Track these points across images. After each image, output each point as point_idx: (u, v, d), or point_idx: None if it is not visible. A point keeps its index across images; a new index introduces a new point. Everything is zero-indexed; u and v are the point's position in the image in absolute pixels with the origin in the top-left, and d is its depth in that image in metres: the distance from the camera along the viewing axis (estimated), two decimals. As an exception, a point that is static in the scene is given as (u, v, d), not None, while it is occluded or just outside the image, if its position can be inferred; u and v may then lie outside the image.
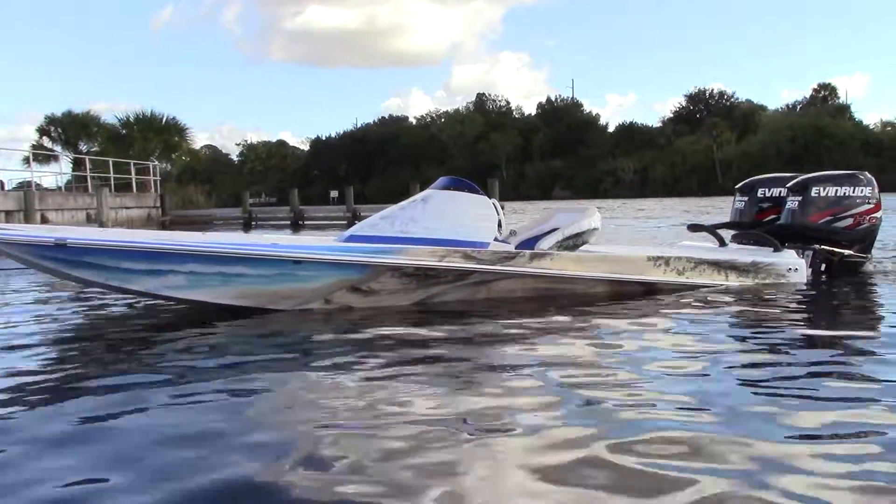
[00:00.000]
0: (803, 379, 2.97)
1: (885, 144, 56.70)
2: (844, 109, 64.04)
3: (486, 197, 5.16)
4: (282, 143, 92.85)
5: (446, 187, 5.20)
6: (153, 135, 28.57)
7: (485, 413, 2.56)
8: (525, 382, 3.00)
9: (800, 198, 6.01)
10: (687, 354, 3.43)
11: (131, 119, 29.24)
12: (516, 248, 5.23)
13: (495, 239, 5.05)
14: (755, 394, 2.79)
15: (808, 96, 68.31)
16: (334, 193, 78.95)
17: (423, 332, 4.03)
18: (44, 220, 17.96)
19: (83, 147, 30.17)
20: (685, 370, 3.14)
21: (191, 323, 4.44)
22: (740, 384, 2.92)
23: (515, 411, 2.58)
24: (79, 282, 4.79)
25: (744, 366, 3.21)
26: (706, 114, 67.62)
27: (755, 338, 3.88)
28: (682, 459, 2.09)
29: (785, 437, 2.26)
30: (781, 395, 2.72)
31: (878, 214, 6.01)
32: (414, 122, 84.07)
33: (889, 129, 59.33)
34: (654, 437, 2.27)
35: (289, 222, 22.82)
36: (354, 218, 21.39)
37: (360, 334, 4.02)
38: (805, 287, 5.45)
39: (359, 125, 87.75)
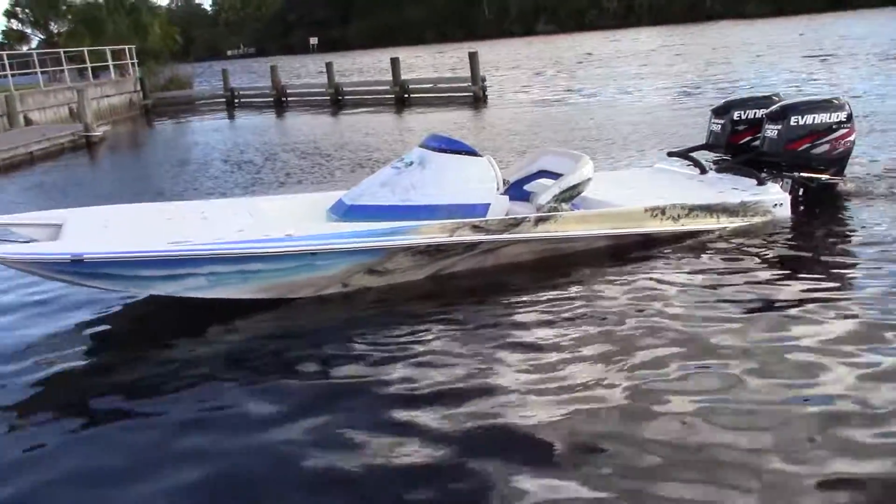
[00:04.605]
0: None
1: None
2: None
3: (482, 157, 5.35)
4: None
5: (442, 150, 5.36)
6: (124, 15, 27.62)
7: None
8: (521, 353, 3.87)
9: (779, 126, 6.18)
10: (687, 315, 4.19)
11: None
12: (509, 191, 5.47)
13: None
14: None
15: None
16: (314, 41, 76.61)
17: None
18: (27, 122, 17.82)
19: (54, 28, 29.22)
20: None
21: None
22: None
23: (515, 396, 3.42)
24: (97, 288, 4.90)
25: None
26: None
27: (753, 293, 4.49)
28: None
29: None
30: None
31: (851, 138, 6.23)
32: (392, -46, 79.97)
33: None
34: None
35: (272, 100, 22.71)
36: (337, 94, 21.56)
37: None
38: (791, 220, 5.77)
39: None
